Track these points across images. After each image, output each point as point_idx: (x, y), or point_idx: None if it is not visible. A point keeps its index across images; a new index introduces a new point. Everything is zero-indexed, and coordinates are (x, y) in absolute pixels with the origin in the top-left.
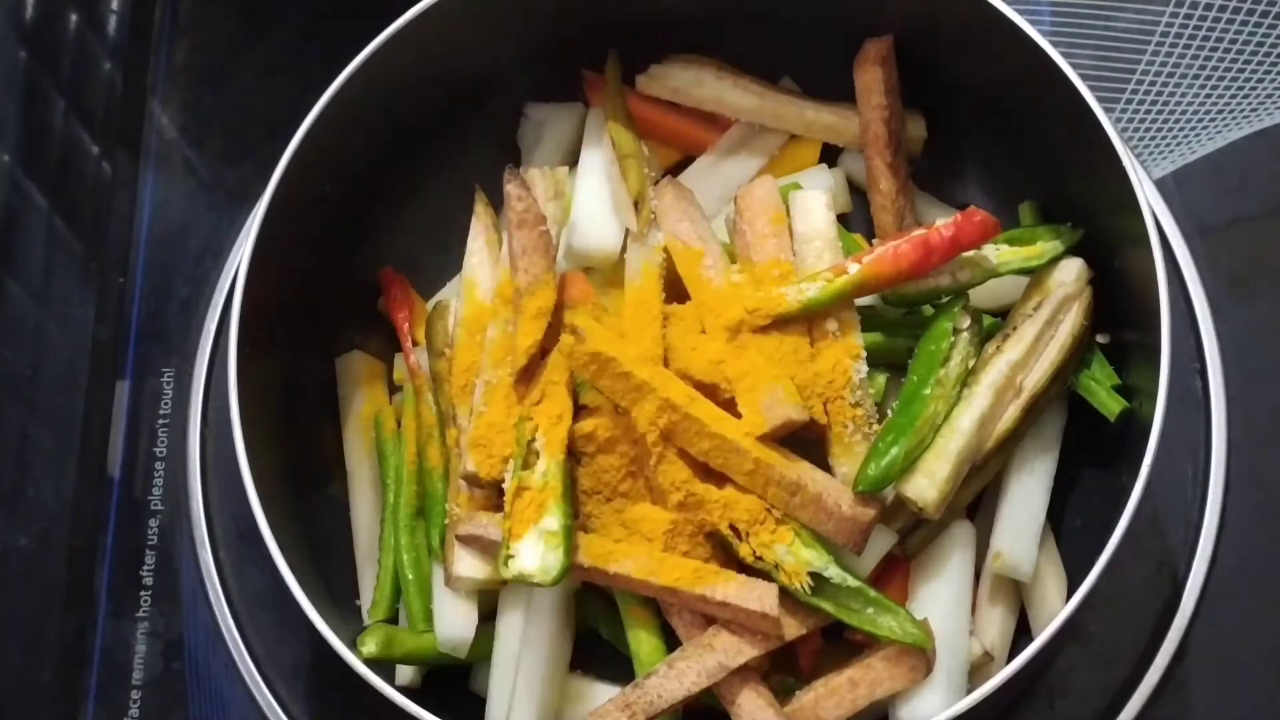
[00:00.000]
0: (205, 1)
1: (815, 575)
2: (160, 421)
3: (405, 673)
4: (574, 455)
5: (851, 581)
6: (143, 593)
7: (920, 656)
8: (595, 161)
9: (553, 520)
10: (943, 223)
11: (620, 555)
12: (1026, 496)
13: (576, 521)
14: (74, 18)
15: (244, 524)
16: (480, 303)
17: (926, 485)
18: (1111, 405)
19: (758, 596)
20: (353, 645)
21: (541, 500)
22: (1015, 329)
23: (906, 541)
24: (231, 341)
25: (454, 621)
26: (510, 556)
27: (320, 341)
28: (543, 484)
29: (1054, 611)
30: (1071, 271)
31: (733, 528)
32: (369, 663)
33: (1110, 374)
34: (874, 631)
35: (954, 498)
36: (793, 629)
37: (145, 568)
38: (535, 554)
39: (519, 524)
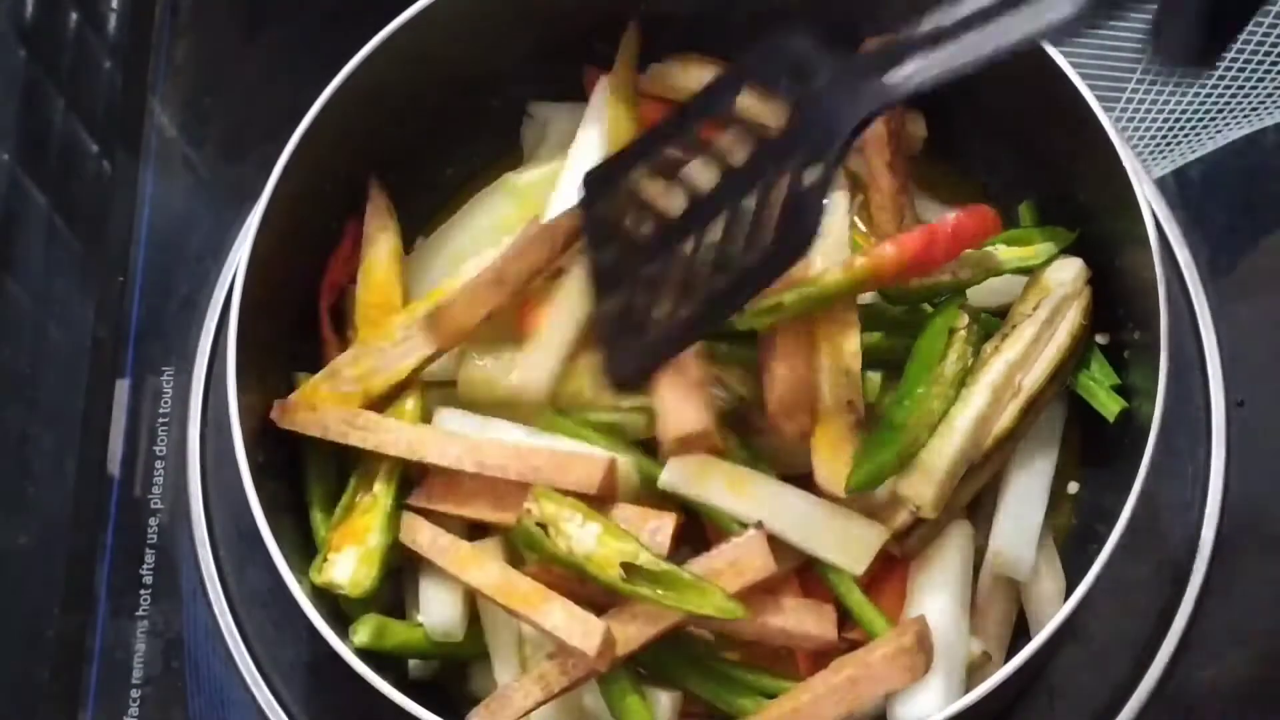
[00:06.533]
0: (205, 1)
1: (627, 565)
2: (160, 421)
3: (418, 663)
4: (405, 483)
5: (664, 566)
6: (143, 592)
7: (919, 656)
8: (589, 147)
9: (374, 538)
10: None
11: (475, 565)
12: (1025, 496)
13: (394, 541)
14: (74, 17)
15: (244, 524)
16: (382, 287)
17: (923, 484)
18: (1111, 405)
19: (582, 632)
20: None
21: (368, 520)
22: (1014, 328)
23: (904, 541)
24: (231, 341)
25: (440, 609)
26: (325, 563)
27: (320, 340)
28: (371, 505)
29: (1053, 611)
30: (1070, 271)
31: (540, 525)
32: (365, 658)
33: (1109, 374)
34: (690, 610)
35: (952, 497)
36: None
37: (145, 567)
38: (349, 567)
39: (342, 537)
